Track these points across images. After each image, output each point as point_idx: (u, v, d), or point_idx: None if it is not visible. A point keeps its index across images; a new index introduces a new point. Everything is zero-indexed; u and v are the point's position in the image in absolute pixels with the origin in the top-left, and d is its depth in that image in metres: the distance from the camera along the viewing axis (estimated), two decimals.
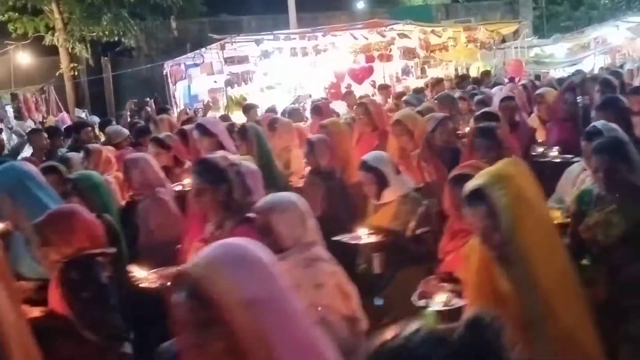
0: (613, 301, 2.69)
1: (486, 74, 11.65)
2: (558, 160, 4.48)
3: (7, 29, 15.49)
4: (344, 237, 3.45)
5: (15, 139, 9.56)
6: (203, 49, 12.09)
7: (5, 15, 15.23)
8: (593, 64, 14.23)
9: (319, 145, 4.53)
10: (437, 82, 10.42)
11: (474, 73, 13.05)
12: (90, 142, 6.88)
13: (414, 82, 12.71)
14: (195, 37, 17.76)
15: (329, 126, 5.09)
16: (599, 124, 3.51)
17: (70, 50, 15.79)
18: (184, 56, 13.37)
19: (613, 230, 2.77)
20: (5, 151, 8.04)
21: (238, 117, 8.80)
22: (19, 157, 6.92)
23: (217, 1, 21.62)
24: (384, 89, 10.43)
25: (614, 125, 3.46)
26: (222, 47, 11.22)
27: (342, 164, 4.63)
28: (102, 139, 7.75)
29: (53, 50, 16.15)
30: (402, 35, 12.36)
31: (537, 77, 12.38)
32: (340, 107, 9.47)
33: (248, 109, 8.48)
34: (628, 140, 3.13)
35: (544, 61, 15.72)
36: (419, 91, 9.83)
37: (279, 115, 7.33)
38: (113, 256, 2.59)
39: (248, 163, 3.46)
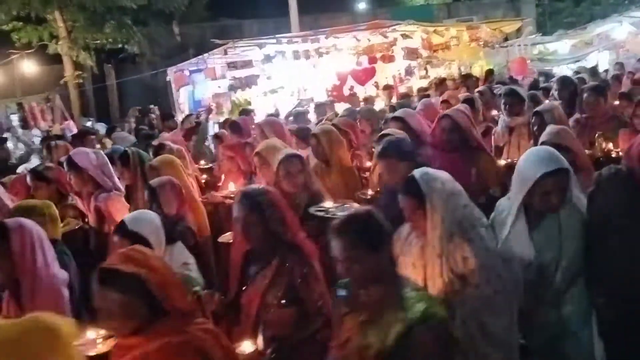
0: None
1: (490, 72, 11.63)
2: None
3: (11, 38, 15.57)
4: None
5: (21, 148, 9.60)
6: (206, 55, 12.11)
7: (10, 25, 15.30)
8: (597, 60, 14.19)
9: (162, 191, 3.52)
10: (441, 82, 10.44)
11: (477, 72, 13.02)
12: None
13: (417, 83, 12.68)
14: (197, 41, 17.84)
15: (160, 166, 4.21)
16: (417, 172, 2.55)
17: (74, 59, 15.87)
18: (187, 62, 13.40)
19: (367, 354, 2.01)
20: (12, 160, 8.09)
21: None
22: (25, 166, 6.96)
23: (218, 5, 21.72)
24: (387, 89, 10.46)
25: (439, 176, 2.54)
26: (225, 52, 11.24)
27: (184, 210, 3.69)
28: (109, 145, 7.80)
29: (57, 59, 16.25)
30: (405, 36, 12.32)
31: (540, 74, 12.34)
32: (343, 109, 9.45)
33: (244, 114, 8.50)
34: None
35: (548, 58, 15.69)
36: (423, 91, 9.82)
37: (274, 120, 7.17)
38: None
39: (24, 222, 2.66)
